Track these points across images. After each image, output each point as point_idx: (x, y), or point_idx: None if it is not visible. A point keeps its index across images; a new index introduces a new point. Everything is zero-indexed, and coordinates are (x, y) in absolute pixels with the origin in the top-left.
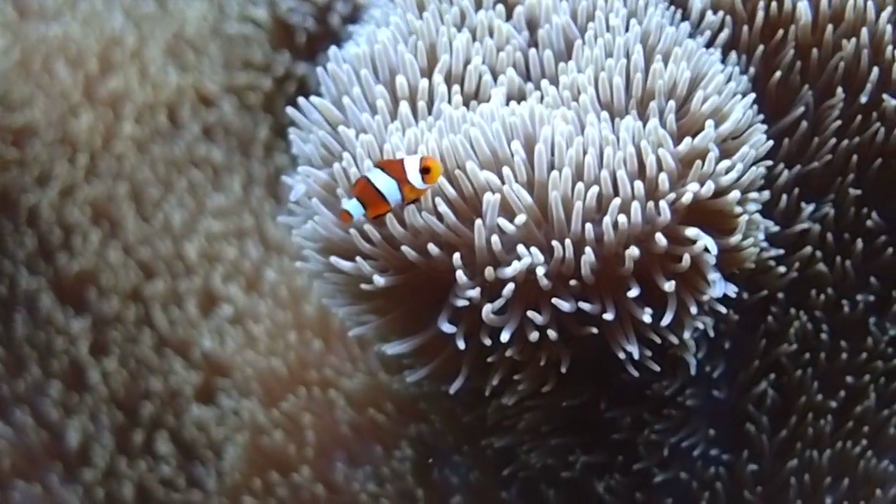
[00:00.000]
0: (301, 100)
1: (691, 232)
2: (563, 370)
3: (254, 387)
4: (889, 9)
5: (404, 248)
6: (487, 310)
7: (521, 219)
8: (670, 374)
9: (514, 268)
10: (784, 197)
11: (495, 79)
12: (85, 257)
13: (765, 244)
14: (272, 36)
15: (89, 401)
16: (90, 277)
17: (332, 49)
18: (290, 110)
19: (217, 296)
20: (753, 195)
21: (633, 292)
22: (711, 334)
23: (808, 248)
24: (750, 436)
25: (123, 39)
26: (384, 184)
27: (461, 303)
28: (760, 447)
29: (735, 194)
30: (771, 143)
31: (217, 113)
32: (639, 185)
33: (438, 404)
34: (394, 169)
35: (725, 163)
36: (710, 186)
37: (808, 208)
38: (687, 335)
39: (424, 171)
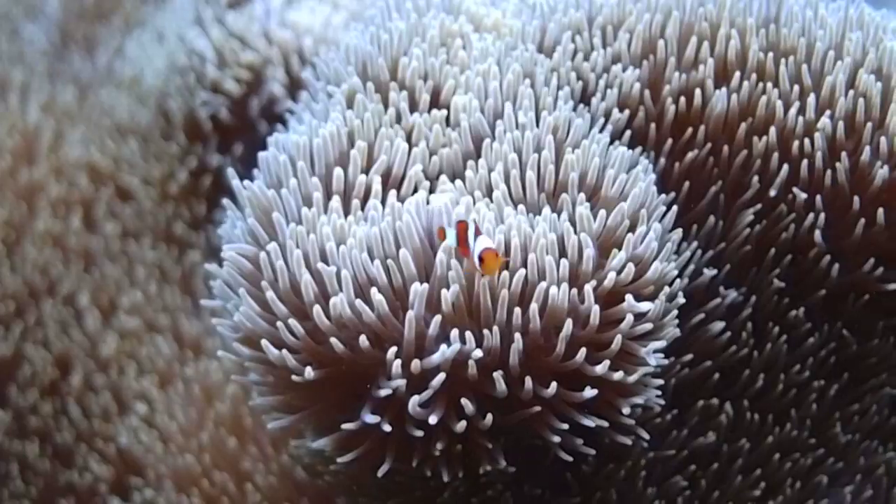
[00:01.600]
0: (235, 183)
1: (624, 306)
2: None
3: (167, 484)
4: (797, 104)
5: (332, 340)
6: (414, 402)
7: (448, 308)
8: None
9: (443, 354)
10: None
11: (430, 181)
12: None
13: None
14: (187, 129)
15: (5, 494)
16: (9, 370)
17: (276, 136)
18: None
19: (131, 393)
20: (669, 268)
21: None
22: (657, 408)
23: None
24: None
25: (39, 133)
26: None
27: (384, 392)
28: None
29: (655, 269)
30: (672, 216)
31: (133, 207)
32: (564, 269)
33: (354, 501)
34: (462, 235)
35: (643, 241)
36: (630, 268)
37: (730, 294)
38: (627, 411)
39: (480, 259)
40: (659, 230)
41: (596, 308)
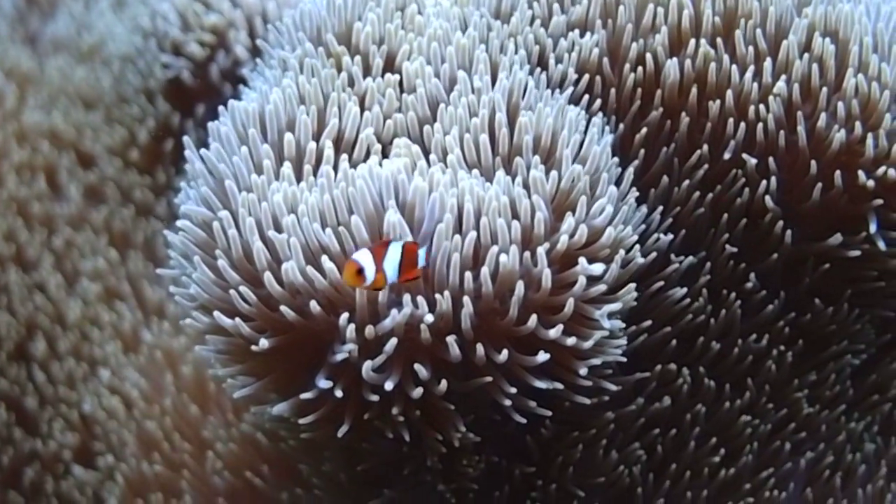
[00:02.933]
0: (188, 153)
1: (577, 269)
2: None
3: (130, 450)
4: (752, 68)
5: (283, 308)
6: (367, 367)
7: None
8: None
9: (393, 318)
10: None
11: (383, 145)
12: None
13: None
14: (149, 94)
15: None
16: None
17: (230, 103)
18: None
19: (94, 359)
20: (625, 232)
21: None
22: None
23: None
24: (626, 495)
25: (2, 98)
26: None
27: (339, 357)
28: None
29: (609, 234)
30: (629, 179)
31: (95, 174)
32: (516, 232)
33: (318, 468)
34: (377, 253)
35: (597, 204)
36: (584, 230)
37: (687, 260)
38: (584, 371)
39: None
40: (615, 193)
41: (548, 271)
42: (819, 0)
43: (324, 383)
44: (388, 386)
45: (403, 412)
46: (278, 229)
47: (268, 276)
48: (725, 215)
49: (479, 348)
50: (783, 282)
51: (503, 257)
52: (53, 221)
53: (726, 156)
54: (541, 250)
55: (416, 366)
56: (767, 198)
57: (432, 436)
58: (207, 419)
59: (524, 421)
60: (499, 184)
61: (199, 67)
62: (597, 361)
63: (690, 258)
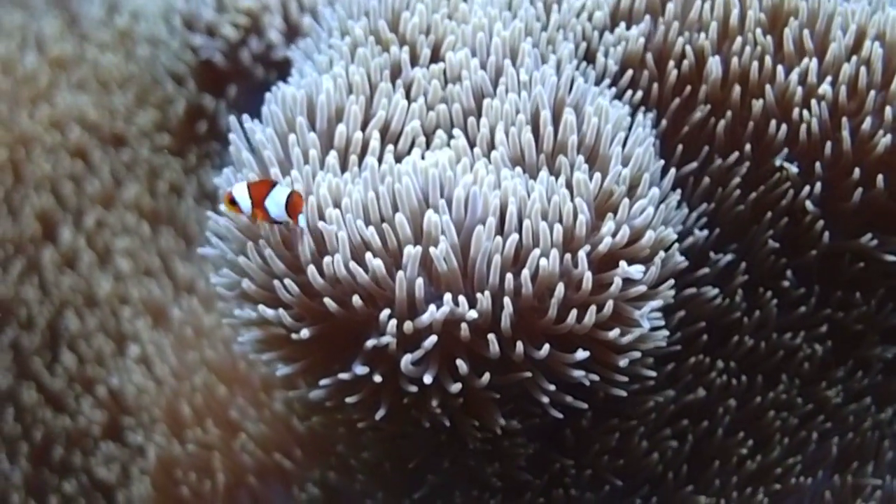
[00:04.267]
0: (233, 136)
1: (617, 270)
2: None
3: (160, 427)
4: (798, 69)
5: (326, 299)
6: (406, 360)
7: (443, 268)
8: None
9: (432, 314)
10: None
11: (426, 135)
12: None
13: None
14: (182, 74)
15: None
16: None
17: (278, 88)
18: (232, 137)
19: (125, 335)
20: (665, 232)
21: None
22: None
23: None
24: (659, 484)
25: (36, 78)
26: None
27: (378, 344)
28: (667, 495)
29: (650, 236)
30: (670, 179)
31: (128, 154)
32: (558, 234)
33: (359, 455)
34: (258, 189)
35: (638, 205)
36: (625, 232)
37: (724, 258)
38: (623, 363)
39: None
40: (656, 194)
41: (588, 273)
42: (868, 2)
43: (360, 369)
44: (428, 379)
45: (442, 404)
46: (323, 220)
47: (311, 269)
48: (769, 213)
49: (519, 345)
50: (818, 278)
51: (543, 261)
52: (85, 200)
53: (777, 162)
54: (581, 253)
55: (458, 361)
56: (808, 202)
57: (471, 424)
58: (237, 398)
59: (561, 416)
60: (542, 184)
61: (232, 50)
62: (636, 354)
63: (729, 256)
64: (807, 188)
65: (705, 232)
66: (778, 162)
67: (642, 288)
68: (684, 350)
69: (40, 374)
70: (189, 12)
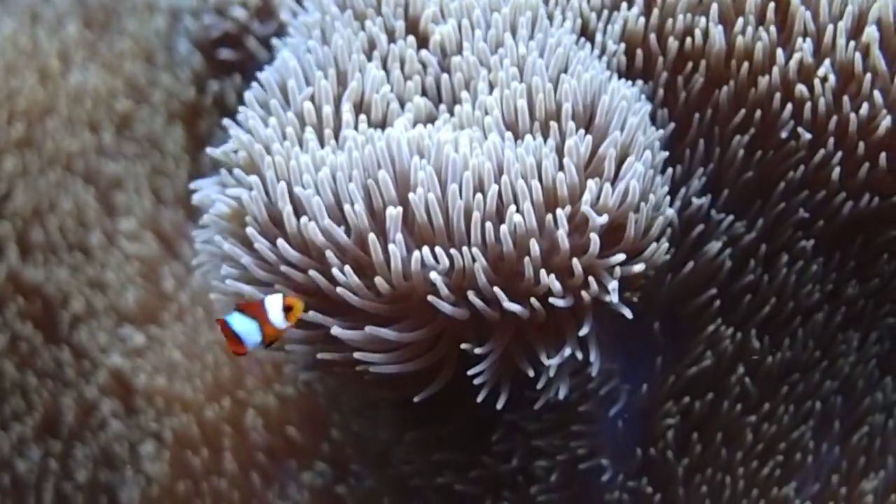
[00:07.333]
0: (226, 121)
1: (592, 235)
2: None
3: (171, 405)
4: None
5: (312, 272)
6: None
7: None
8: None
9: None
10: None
11: (402, 106)
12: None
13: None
14: (190, 52)
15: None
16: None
17: (261, 73)
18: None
19: (133, 316)
20: (655, 199)
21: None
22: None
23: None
24: (656, 460)
25: (49, 55)
26: (242, 327)
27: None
28: (668, 472)
29: (633, 194)
30: (665, 154)
31: (138, 131)
32: (537, 193)
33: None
34: (254, 310)
35: (627, 162)
36: (607, 190)
37: (725, 221)
38: (585, 330)
39: (287, 309)
40: (649, 159)
41: (562, 233)
42: None
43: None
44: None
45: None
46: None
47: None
48: (782, 184)
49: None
50: (831, 248)
51: (517, 217)
52: (97, 179)
53: (783, 134)
54: (560, 213)
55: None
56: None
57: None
58: (247, 376)
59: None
60: (527, 147)
61: (242, 30)
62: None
63: (731, 217)
64: (821, 153)
65: (703, 199)
66: (784, 134)
67: (621, 256)
68: (691, 320)
69: (48, 352)
70: None
